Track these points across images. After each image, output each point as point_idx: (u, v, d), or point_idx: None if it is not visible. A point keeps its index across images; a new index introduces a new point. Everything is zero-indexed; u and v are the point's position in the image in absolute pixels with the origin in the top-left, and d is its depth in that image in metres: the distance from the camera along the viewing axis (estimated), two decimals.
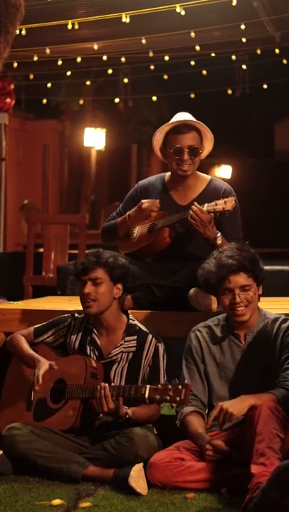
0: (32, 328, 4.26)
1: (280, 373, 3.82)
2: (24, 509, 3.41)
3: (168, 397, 3.63)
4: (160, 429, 4.05)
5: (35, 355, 4.12)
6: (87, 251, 4.63)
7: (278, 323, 3.94)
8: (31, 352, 4.14)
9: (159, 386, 3.67)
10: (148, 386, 3.71)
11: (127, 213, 4.59)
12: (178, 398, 3.61)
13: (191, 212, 4.31)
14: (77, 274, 4.08)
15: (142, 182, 4.74)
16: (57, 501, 3.48)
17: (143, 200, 4.53)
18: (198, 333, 4.03)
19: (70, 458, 3.81)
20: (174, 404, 3.63)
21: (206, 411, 3.97)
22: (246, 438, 3.58)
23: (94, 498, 3.52)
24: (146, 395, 3.69)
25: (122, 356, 4.05)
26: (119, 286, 4.09)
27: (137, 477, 3.62)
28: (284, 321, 3.95)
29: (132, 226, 4.61)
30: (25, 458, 3.82)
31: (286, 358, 3.84)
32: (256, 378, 3.89)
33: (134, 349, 4.05)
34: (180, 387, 3.62)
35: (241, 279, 3.86)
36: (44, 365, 4.03)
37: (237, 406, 3.64)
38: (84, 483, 3.72)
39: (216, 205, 4.30)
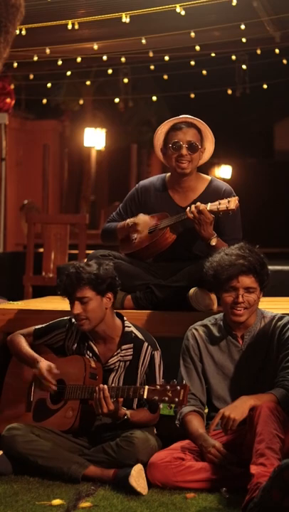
0: (32, 329, 4.22)
1: (279, 372, 3.82)
2: (24, 509, 3.41)
3: (166, 398, 3.63)
4: (160, 429, 4.05)
5: (36, 355, 4.10)
6: (84, 253, 4.58)
7: (274, 321, 3.95)
8: (32, 352, 4.12)
9: (158, 387, 3.67)
10: (146, 387, 3.71)
11: (128, 220, 4.57)
12: (176, 399, 3.61)
13: (190, 208, 4.31)
14: (62, 293, 4.02)
15: (142, 182, 4.74)
16: (57, 501, 3.48)
17: (140, 217, 4.52)
18: (195, 332, 4.03)
19: (70, 458, 3.81)
20: (173, 405, 3.63)
21: (206, 410, 3.97)
22: (246, 438, 3.58)
23: (94, 498, 3.52)
24: (145, 396, 3.69)
25: (119, 365, 4.04)
26: (109, 295, 4.01)
27: (137, 476, 3.62)
28: (280, 318, 3.96)
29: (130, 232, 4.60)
30: (25, 458, 3.82)
31: (284, 356, 3.84)
32: (255, 377, 3.90)
33: (130, 357, 4.03)
34: (178, 387, 3.61)
35: (249, 280, 3.87)
36: (45, 364, 4.00)
37: (238, 410, 3.64)
38: (84, 483, 3.72)
39: (220, 204, 4.30)
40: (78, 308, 3.96)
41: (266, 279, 3.93)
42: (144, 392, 3.69)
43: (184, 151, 4.45)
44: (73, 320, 4.13)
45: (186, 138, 4.46)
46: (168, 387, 3.64)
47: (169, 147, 4.49)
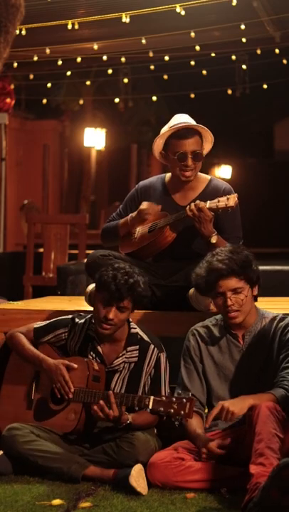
0: (32, 327, 4.19)
1: (279, 372, 3.82)
2: (24, 509, 3.41)
3: (172, 410, 3.59)
4: (160, 429, 4.05)
5: (41, 354, 4.07)
6: (97, 251, 4.50)
7: (276, 322, 3.94)
8: (36, 351, 4.09)
9: (164, 398, 3.64)
10: (152, 397, 3.68)
11: (130, 215, 4.58)
12: (182, 412, 3.58)
13: (190, 207, 4.31)
14: (105, 293, 3.93)
15: (142, 183, 4.73)
16: (57, 501, 3.48)
17: (144, 202, 4.51)
18: (196, 333, 4.02)
19: (70, 458, 3.81)
20: (178, 417, 3.59)
21: (206, 410, 3.97)
22: (246, 438, 3.58)
23: (94, 498, 3.52)
24: (150, 406, 3.66)
25: (124, 366, 4.02)
26: (135, 305, 4.03)
27: (137, 476, 3.62)
28: (281, 319, 3.95)
29: (132, 227, 4.59)
30: (26, 458, 3.81)
31: (284, 356, 3.84)
32: (255, 377, 3.89)
33: (136, 359, 4.01)
34: (184, 400, 3.58)
35: (232, 282, 3.84)
36: (61, 367, 3.96)
37: (237, 405, 3.63)
38: (84, 483, 3.71)
39: (219, 201, 4.30)
40: (114, 315, 3.91)
41: (253, 276, 3.90)
42: (149, 402, 3.67)
43: (190, 162, 4.42)
44: (76, 320, 4.11)
45: (191, 148, 4.40)
46: (174, 399, 3.60)
47: (173, 158, 4.44)
